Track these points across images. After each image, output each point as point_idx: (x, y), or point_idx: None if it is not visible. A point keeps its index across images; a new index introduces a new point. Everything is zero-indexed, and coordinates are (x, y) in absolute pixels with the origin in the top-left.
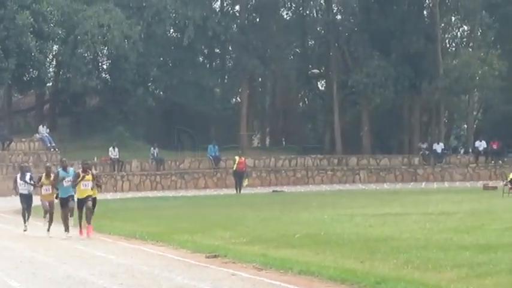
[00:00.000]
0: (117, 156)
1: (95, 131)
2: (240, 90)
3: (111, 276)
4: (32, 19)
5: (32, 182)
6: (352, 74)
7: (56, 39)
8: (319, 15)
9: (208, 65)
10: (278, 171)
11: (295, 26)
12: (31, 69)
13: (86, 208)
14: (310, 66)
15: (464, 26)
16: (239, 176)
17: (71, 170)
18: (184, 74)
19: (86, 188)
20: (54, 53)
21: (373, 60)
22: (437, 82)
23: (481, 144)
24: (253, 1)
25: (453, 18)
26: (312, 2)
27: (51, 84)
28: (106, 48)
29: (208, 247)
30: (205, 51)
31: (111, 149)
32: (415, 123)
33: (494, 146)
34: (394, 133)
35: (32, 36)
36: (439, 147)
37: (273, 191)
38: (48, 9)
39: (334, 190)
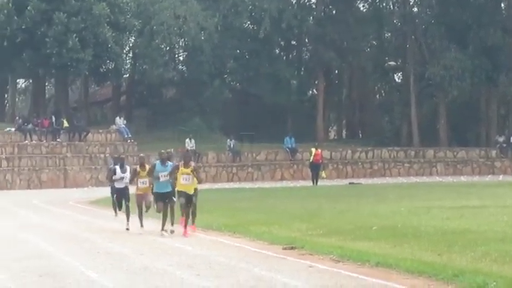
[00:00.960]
0: (194, 148)
1: (171, 122)
2: (316, 82)
3: (188, 267)
4: (108, 10)
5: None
6: (429, 67)
7: (132, 30)
8: (395, 7)
9: (284, 57)
10: (355, 163)
11: (371, 18)
12: (108, 61)
13: (191, 205)
14: (386, 58)
15: None
16: (315, 168)
17: (169, 164)
18: (260, 65)
19: (186, 182)
20: (130, 45)
21: (450, 52)
22: None
23: None
24: None
25: None
26: None
27: (127, 75)
28: (182, 39)
29: (285, 239)
30: (282, 43)
31: (187, 140)
32: (492, 116)
33: None
34: (471, 126)
35: (108, 27)
36: None
37: (350, 183)
38: (125, 0)
39: (411, 182)
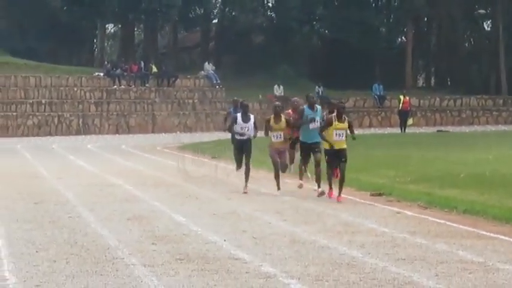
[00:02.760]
0: (282, 94)
1: (259, 69)
2: (405, 29)
3: (276, 212)
4: None
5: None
6: None
7: None
8: None
9: (373, 4)
10: (443, 111)
11: None
12: (197, 6)
13: (340, 168)
14: (476, 6)
15: None
16: (404, 115)
17: (319, 108)
18: (349, 12)
19: (339, 139)
20: None
21: None
22: None
23: None
24: None
25: None
26: None
27: (216, 21)
28: None
29: (373, 185)
30: None
31: (276, 86)
32: None
33: None
34: None
35: None
36: None
37: (438, 130)
38: None
39: (499, 131)
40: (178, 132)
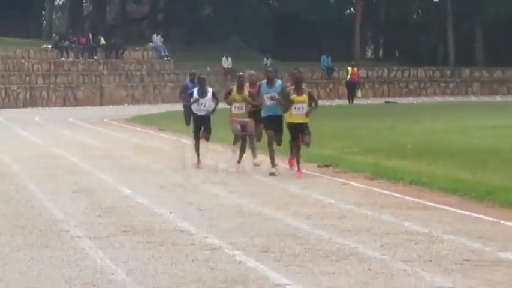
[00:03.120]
0: (230, 66)
1: (208, 40)
2: (354, 1)
3: (223, 184)
4: None
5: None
6: None
7: None
8: None
9: None
10: (391, 82)
11: None
12: None
13: (302, 142)
14: None
15: None
16: (352, 87)
17: (278, 83)
18: None
19: (299, 112)
20: None
21: None
22: None
23: None
24: None
25: None
26: None
27: None
28: None
29: (320, 157)
30: None
31: (224, 58)
32: None
33: None
34: (508, 45)
35: None
36: None
37: (386, 102)
38: None
39: (446, 102)
40: (126, 104)
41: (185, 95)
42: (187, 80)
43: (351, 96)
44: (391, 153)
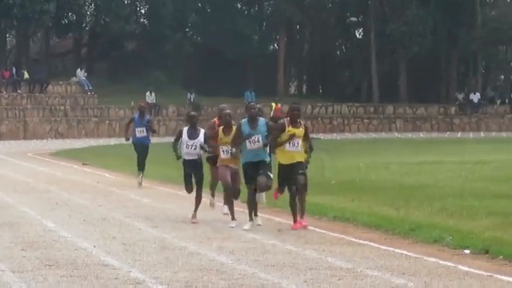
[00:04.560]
0: (154, 101)
1: (132, 75)
2: (277, 37)
3: (146, 218)
4: None
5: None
6: (390, 23)
7: None
8: None
9: (246, 12)
10: (314, 118)
11: None
12: (70, 13)
13: (298, 185)
14: (348, 14)
15: None
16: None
17: (262, 122)
18: (222, 20)
19: (293, 149)
20: None
21: (411, 9)
22: (474, 32)
23: None
24: None
25: None
26: None
27: (89, 28)
28: None
29: (243, 193)
30: None
31: (148, 93)
32: (452, 73)
33: None
34: (431, 82)
35: None
36: (475, 97)
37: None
38: None
39: (370, 138)
40: (49, 139)
41: (131, 126)
42: (136, 114)
43: None
44: (315, 189)
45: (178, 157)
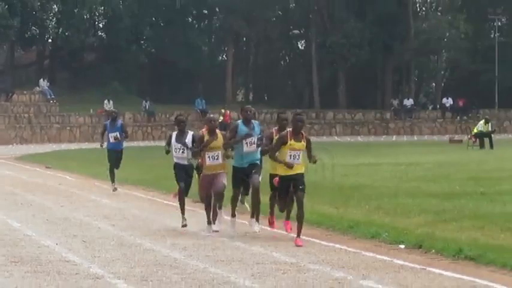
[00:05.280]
0: (112, 108)
1: (91, 85)
2: (226, 49)
3: (105, 217)
4: None
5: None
6: (330, 35)
7: None
8: None
9: (197, 26)
10: (260, 123)
11: None
12: (33, 27)
13: (296, 198)
14: (291, 27)
15: None
16: (224, 128)
17: (255, 124)
18: (174, 33)
19: (294, 161)
20: (54, 12)
21: (350, 22)
22: (408, 43)
23: (448, 101)
24: None
25: None
26: None
27: (51, 41)
28: (103, 8)
29: (193, 194)
30: (194, 12)
31: (106, 102)
32: (387, 81)
33: (460, 103)
34: (368, 90)
35: None
36: (409, 103)
37: None
38: None
39: (312, 142)
40: (14, 144)
41: (104, 132)
42: (107, 121)
43: None
44: (264, 189)
45: (167, 151)
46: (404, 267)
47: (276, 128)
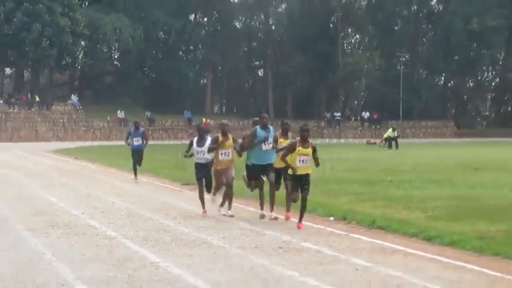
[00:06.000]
0: (123, 117)
1: (108, 99)
2: (206, 75)
3: (117, 195)
4: (69, 23)
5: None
6: (282, 66)
7: (84, 37)
8: (260, 25)
9: (185, 57)
10: (233, 129)
11: (244, 33)
12: (67, 57)
13: (302, 197)
14: (253, 59)
15: (357, 35)
16: (206, 132)
17: (271, 129)
18: (169, 63)
19: (303, 165)
20: (82, 46)
21: (296, 57)
22: (338, 73)
23: (366, 114)
24: (215, 13)
25: (350, 30)
26: (255, 17)
27: (79, 67)
28: (117, 44)
29: (181, 178)
30: (183, 48)
31: (118, 111)
32: (322, 100)
33: (375, 116)
34: (308, 106)
35: (69, 33)
36: (338, 115)
37: None
38: (80, 17)
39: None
40: (53, 141)
41: (129, 137)
42: (131, 128)
43: None
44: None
45: (186, 155)
46: (333, 233)
47: (280, 131)
